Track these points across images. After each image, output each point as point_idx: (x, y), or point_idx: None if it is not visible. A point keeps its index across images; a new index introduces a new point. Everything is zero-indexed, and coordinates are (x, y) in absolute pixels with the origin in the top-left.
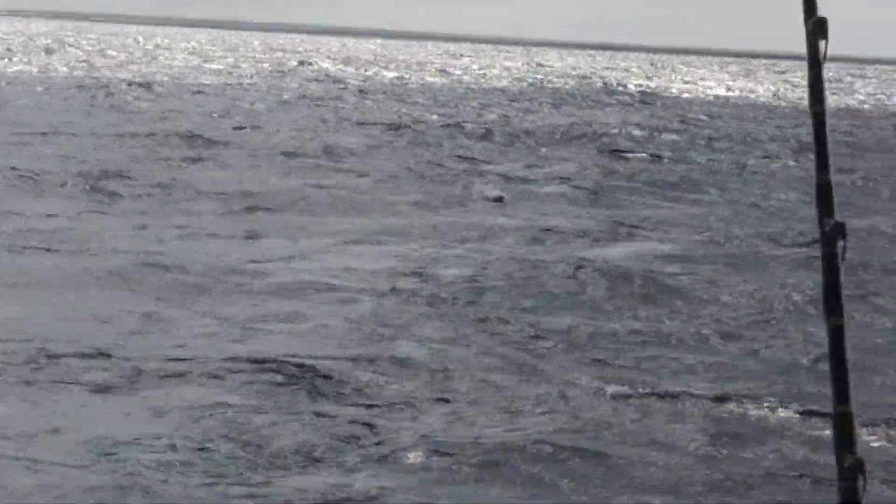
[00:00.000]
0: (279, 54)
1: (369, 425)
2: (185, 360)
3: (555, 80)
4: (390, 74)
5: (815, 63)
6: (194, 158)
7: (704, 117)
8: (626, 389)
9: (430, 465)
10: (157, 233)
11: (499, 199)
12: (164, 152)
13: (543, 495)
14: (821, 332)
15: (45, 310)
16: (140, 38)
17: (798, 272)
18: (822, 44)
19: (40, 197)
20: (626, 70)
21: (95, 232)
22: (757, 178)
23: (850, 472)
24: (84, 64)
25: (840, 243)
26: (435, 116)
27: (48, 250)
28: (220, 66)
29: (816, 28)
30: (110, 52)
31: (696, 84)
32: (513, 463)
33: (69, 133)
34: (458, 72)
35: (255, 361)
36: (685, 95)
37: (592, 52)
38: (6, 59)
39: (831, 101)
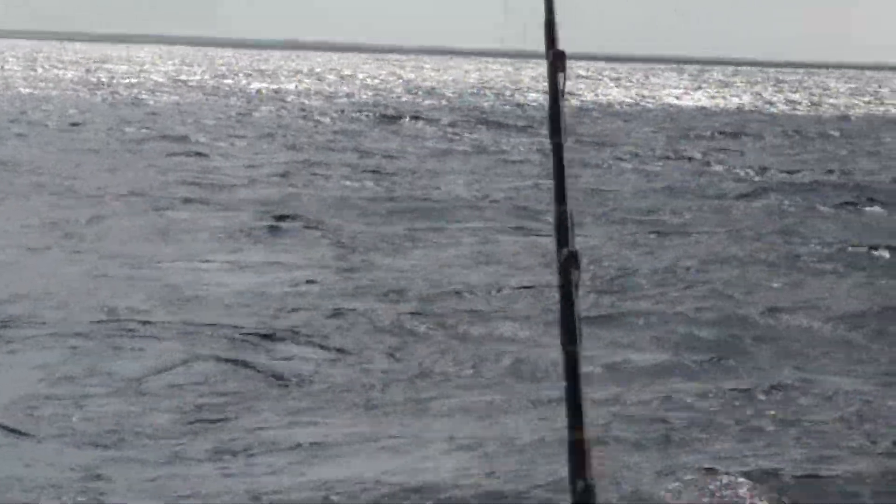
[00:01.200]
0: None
1: None
2: None
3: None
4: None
5: (555, 96)
6: None
7: None
8: None
9: None
10: None
11: None
12: None
13: None
14: None
15: None
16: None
17: None
18: (560, 77)
19: None
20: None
21: None
22: None
23: (583, 496)
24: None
25: (575, 272)
26: None
27: None
28: None
29: (556, 61)
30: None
31: None
32: None
33: None
34: None
35: None
36: None
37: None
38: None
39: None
